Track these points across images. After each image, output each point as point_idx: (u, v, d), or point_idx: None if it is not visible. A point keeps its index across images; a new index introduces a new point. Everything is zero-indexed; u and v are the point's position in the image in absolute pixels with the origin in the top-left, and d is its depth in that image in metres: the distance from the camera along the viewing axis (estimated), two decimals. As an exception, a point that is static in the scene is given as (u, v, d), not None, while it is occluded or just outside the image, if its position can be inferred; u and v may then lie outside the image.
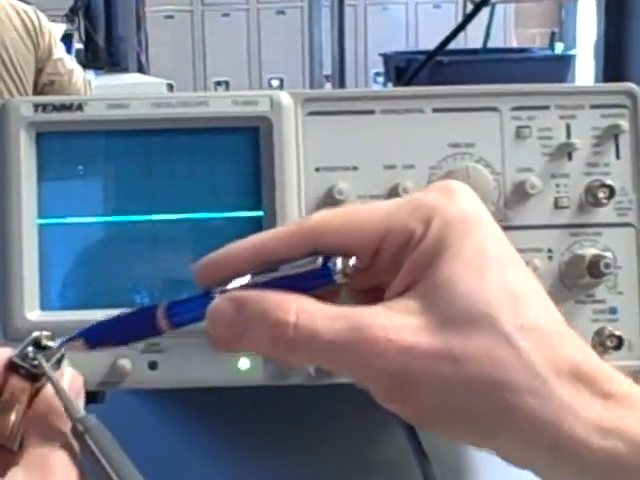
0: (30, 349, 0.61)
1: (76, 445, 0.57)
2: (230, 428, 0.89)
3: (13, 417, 0.60)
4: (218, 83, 6.06)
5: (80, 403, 0.61)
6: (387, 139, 0.74)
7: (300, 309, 0.53)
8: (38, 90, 3.47)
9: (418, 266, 0.53)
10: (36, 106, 0.73)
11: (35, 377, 0.60)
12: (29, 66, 3.41)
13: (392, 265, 0.55)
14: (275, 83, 6.09)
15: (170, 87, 4.29)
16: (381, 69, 5.13)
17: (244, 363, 0.74)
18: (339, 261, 0.54)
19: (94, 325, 0.62)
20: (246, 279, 0.56)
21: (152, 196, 0.74)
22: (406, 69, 3.95)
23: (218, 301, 0.56)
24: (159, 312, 0.58)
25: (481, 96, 0.75)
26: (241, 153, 0.74)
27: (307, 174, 0.74)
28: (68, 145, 0.74)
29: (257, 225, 0.73)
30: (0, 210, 0.73)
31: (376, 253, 0.55)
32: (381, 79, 5.67)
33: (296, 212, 0.73)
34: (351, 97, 0.75)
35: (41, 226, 0.73)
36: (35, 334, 0.62)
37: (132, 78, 4.90)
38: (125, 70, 5.07)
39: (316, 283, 0.55)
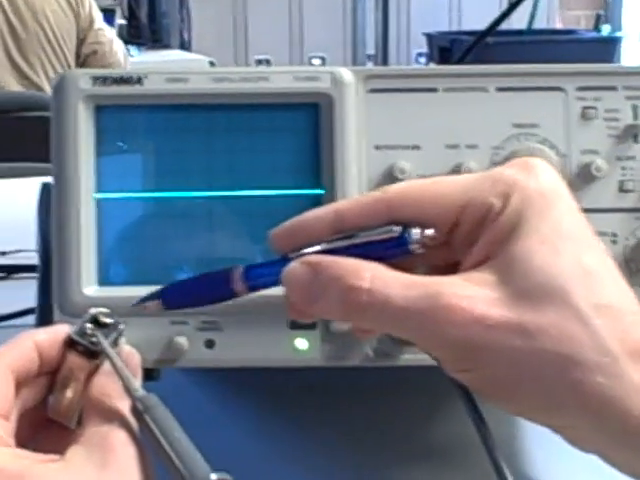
0: (88, 326, 0.61)
1: (135, 424, 0.57)
2: (286, 409, 0.89)
3: (70, 394, 0.60)
4: (259, 61, 6.05)
5: (138, 381, 0.60)
6: (449, 118, 0.73)
7: (374, 275, 0.54)
8: (81, 61, 3.48)
9: (495, 240, 0.53)
10: (95, 79, 0.72)
11: (93, 354, 0.60)
12: (71, 37, 3.41)
13: (468, 239, 0.55)
14: (316, 62, 6.07)
15: (212, 64, 4.29)
16: (423, 49, 5.10)
17: (302, 343, 0.73)
18: (416, 231, 0.55)
19: (171, 286, 0.63)
20: (323, 245, 0.57)
21: (210, 172, 0.73)
22: (450, 49, 3.93)
23: (294, 265, 0.57)
24: (236, 275, 0.59)
25: (546, 75, 0.74)
26: (301, 130, 0.73)
27: (367, 152, 0.73)
28: (127, 119, 0.73)
29: (316, 203, 0.72)
30: (58, 184, 0.72)
31: (454, 226, 0.56)
32: (423, 59, 5.64)
33: (356, 191, 0.72)
34: (413, 75, 0.74)
35: (99, 200, 0.73)
36: (93, 311, 0.62)
37: (174, 55, 4.90)
38: (167, 47, 5.08)
39: (392, 252, 0.55)
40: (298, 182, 0.73)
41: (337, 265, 0.55)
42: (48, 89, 3.11)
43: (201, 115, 0.73)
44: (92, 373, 0.60)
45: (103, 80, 0.73)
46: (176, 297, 0.63)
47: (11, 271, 1.32)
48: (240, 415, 0.89)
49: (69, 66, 3.32)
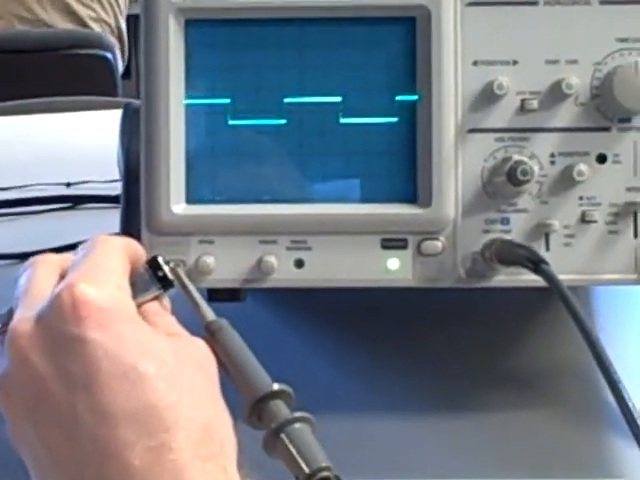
0: (160, 258, 0.60)
1: None
2: (363, 331, 0.88)
3: None
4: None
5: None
6: (550, 32, 0.71)
7: None
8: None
9: None
10: (184, -8, 0.71)
11: (164, 283, 0.60)
12: None
13: None
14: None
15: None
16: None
17: (394, 263, 0.72)
18: None
19: None
20: None
21: (302, 86, 0.71)
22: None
23: None
24: None
25: (651, -11, 0.71)
26: (397, 44, 0.71)
27: (465, 68, 0.71)
28: (217, 32, 0.71)
29: (411, 109, 0.70)
30: (148, 93, 0.71)
31: None
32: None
33: (452, 103, 0.70)
34: (513, -12, 0.71)
35: (188, 106, 0.71)
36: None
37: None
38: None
39: None
40: (393, 93, 0.71)
41: None
42: (92, 25, 3.09)
43: (293, 29, 0.71)
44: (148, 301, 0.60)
45: (193, -7, 0.71)
46: None
47: (77, 202, 1.31)
48: (315, 337, 0.88)
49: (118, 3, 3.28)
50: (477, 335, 0.87)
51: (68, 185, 1.35)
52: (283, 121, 0.71)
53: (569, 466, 0.71)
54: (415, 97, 0.71)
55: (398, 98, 0.71)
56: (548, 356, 0.84)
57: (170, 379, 0.53)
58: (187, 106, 0.72)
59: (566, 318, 0.85)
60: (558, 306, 0.88)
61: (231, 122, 0.72)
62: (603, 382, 0.78)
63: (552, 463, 0.71)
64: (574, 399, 0.79)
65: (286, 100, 0.71)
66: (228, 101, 0.72)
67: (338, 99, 0.71)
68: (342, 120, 0.71)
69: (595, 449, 0.73)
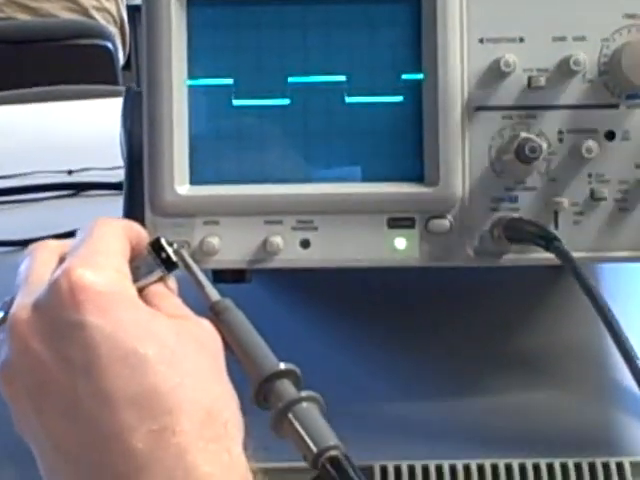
0: (163, 240, 0.60)
1: None
2: (376, 313, 0.87)
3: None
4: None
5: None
6: (557, 8, 0.70)
7: None
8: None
9: None
10: (186, -29, 0.70)
11: (167, 265, 0.59)
12: None
13: None
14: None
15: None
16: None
17: (400, 243, 0.71)
18: None
19: None
20: None
21: (306, 65, 0.70)
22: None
23: None
24: None
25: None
26: (402, 22, 0.70)
27: (471, 45, 0.70)
28: (219, 12, 0.71)
29: (417, 88, 0.70)
30: (150, 74, 0.70)
31: None
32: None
33: (459, 81, 0.69)
34: (519, -37, 0.70)
35: (191, 87, 0.71)
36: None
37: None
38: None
39: None
40: (398, 69, 0.70)
41: None
42: (95, 15, 3.08)
43: (296, 9, 0.70)
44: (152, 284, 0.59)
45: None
46: None
47: (79, 189, 1.31)
48: (325, 319, 0.87)
49: None
50: (485, 316, 0.86)
51: (70, 173, 1.35)
52: (287, 101, 0.71)
53: (582, 444, 0.71)
54: (421, 75, 0.70)
55: (404, 77, 0.71)
56: (558, 336, 0.84)
57: (172, 362, 0.52)
58: (190, 87, 0.71)
59: (574, 298, 0.85)
60: (566, 286, 0.88)
61: (235, 103, 0.71)
62: (612, 362, 0.78)
63: (565, 441, 0.71)
64: (584, 379, 0.79)
65: (290, 80, 0.71)
66: (231, 82, 0.71)
67: (343, 78, 0.71)
68: (347, 100, 0.71)
69: (607, 427, 0.73)
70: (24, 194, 1.27)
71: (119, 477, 0.50)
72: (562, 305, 0.87)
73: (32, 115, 1.75)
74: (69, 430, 0.51)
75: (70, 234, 1.01)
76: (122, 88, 0.89)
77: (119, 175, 1.16)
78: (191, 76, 0.71)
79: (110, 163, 1.23)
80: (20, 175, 1.32)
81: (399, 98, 0.71)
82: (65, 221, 1.06)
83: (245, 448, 0.53)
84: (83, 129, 1.60)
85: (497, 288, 0.88)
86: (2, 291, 0.59)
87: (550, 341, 0.83)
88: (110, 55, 2.89)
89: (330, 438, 0.53)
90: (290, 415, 0.54)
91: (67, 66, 2.74)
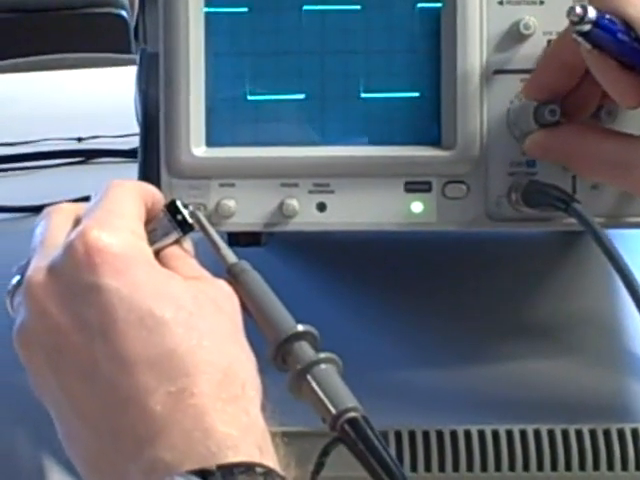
0: (179, 202, 0.60)
1: None
2: (383, 279, 0.87)
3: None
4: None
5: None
6: (578, -30, 0.69)
7: None
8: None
9: None
10: None
11: (183, 227, 0.59)
12: None
13: None
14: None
15: None
16: None
17: (417, 207, 0.70)
18: None
19: None
20: None
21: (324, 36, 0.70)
22: None
23: None
24: None
25: None
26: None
27: (490, 7, 0.69)
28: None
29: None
30: (166, 38, 0.70)
31: None
32: None
33: (477, 44, 0.69)
34: None
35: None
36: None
37: None
38: None
39: None
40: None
41: None
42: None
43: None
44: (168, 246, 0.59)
45: None
46: None
47: (89, 156, 1.30)
48: (339, 284, 0.87)
49: None
50: (497, 283, 0.86)
51: (79, 140, 1.34)
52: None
53: (596, 411, 0.71)
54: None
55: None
56: (572, 305, 0.83)
57: (188, 323, 0.52)
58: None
59: (587, 267, 0.85)
60: (579, 255, 0.87)
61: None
62: (627, 329, 0.78)
63: (580, 408, 0.71)
64: (598, 346, 0.79)
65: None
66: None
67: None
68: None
69: (622, 394, 0.73)
70: (35, 160, 1.26)
71: (137, 439, 0.50)
72: (575, 273, 0.87)
73: (43, 83, 1.75)
74: (87, 393, 0.51)
75: (84, 199, 1.00)
76: (135, 56, 0.88)
77: (129, 142, 1.16)
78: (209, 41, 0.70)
79: (120, 131, 1.22)
80: (30, 142, 1.32)
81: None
82: (75, 188, 1.05)
83: (263, 409, 0.53)
84: (94, 97, 1.59)
85: (510, 255, 0.88)
86: (16, 257, 0.59)
87: (564, 309, 0.83)
88: (124, 23, 2.89)
89: (349, 400, 0.53)
90: (309, 377, 0.54)
91: (82, 34, 2.74)
